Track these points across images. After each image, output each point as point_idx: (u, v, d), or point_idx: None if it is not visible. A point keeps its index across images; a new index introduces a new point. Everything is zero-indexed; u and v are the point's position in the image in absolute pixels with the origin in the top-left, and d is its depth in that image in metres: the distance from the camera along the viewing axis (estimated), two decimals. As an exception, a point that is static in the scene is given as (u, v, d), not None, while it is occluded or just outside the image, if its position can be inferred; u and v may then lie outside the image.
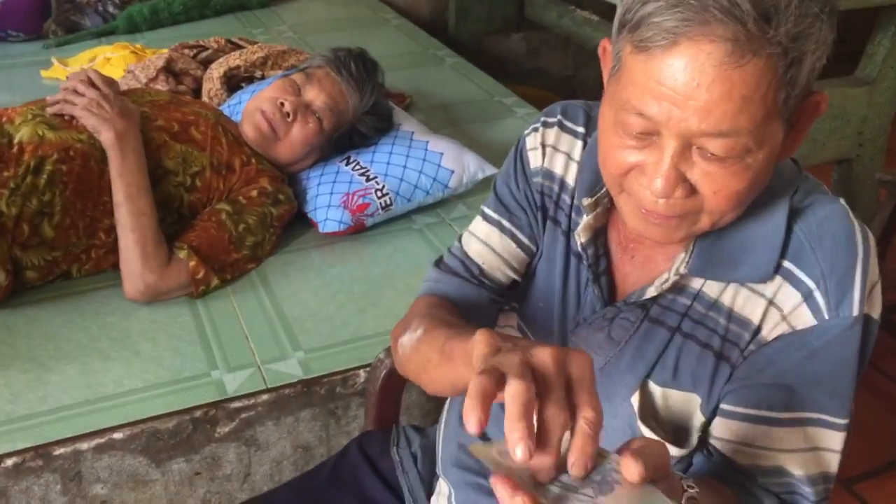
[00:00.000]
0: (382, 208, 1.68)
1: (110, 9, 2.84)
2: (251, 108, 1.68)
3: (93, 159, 1.50)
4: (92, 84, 1.54)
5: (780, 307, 0.79)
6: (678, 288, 0.83)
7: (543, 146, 0.94)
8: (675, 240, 0.79)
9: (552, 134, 0.94)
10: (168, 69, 2.09)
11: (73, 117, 1.53)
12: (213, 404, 1.29)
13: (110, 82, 1.58)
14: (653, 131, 0.72)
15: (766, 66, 0.66)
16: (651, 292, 0.83)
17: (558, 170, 0.93)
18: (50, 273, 1.51)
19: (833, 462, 0.79)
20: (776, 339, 0.79)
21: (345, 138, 1.74)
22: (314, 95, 1.68)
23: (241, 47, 2.25)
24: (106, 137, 1.48)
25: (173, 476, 1.30)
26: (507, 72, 3.32)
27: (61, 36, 2.74)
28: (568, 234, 0.92)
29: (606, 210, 0.88)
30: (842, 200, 0.82)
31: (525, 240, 0.96)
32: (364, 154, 1.76)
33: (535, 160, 0.94)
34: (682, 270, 0.81)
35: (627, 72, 0.72)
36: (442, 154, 1.76)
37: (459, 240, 1.01)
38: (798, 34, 0.66)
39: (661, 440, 0.83)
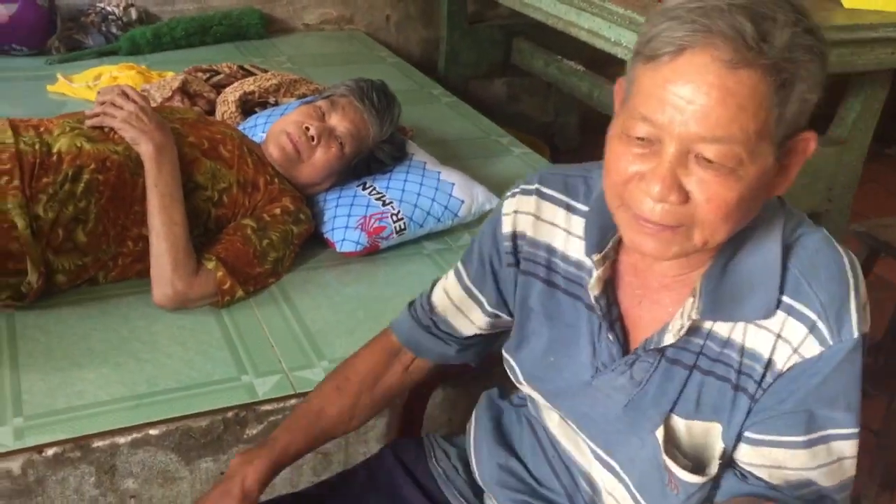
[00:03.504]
0: (397, 232, 1.77)
1: (113, 30, 2.90)
2: (276, 131, 1.76)
3: (127, 170, 1.57)
4: (128, 98, 1.61)
5: (788, 340, 0.85)
6: (691, 330, 0.89)
7: (517, 213, 1.02)
8: (668, 255, 0.84)
9: (531, 203, 1.02)
10: (183, 90, 2.16)
11: (109, 130, 1.59)
12: (244, 406, 1.35)
13: (144, 97, 1.65)
14: (655, 138, 0.79)
15: (761, 80, 0.75)
16: (668, 340, 0.89)
17: (542, 237, 1.01)
18: (78, 278, 1.56)
19: (852, 467, 0.88)
20: (790, 368, 0.85)
21: (363, 164, 1.83)
22: (338, 122, 1.77)
23: (252, 73, 2.34)
24: (145, 149, 1.54)
25: (200, 475, 1.35)
26: (490, 115, 3.45)
27: (64, 53, 2.79)
28: (568, 292, 1.00)
29: (613, 262, 0.95)
30: (825, 231, 0.90)
31: (477, 293, 1.10)
32: (380, 180, 1.85)
33: (507, 225, 1.03)
34: (693, 316, 0.87)
35: (637, 85, 0.80)
36: (454, 184, 1.86)
37: (432, 284, 1.18)
38: (790, 58, 0.76)
39: (686, 471, 0.90)
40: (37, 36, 2.76)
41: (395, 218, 1.77)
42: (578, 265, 0.97)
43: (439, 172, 1.88)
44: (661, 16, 0.79)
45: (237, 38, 3.11)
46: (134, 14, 2.97)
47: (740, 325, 0.87)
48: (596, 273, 0.93)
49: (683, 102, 0.76)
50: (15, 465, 1.21)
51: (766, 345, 0.86)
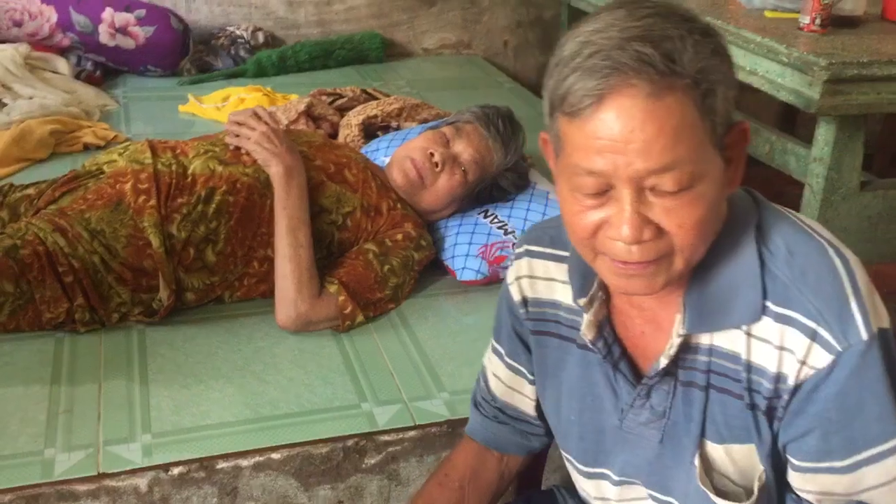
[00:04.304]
0: (518, 262, 1.73)
1: (242, 53, 2.99)
2: (401, 156, 1.76)
3: (256, 192, 1.59)
4: (260, 120, 1.64)
5: (793, 352, 0.81)
6: (692, 348, 0.86)
7: (518, 279, 1.01)
8: (658, 288, 0.82)
9: (524, 265, 1.00)
10: (308, 113, 2.20)
11: (240, 154, 1.62)
12: (363, 435, 1.33)
13: (275, 119, 1.68)
14: (606, 187, 0.78)
15: (685, 98, 0.74)
16: (663, 362, 0.87)
17: (544, 294, 0.99)
18: (206, 297, 1.59)
19: None
20: (806, 382, 0.81)
21: (485, 192, 1.81)
22: (462, 148, 1.75)
23: (374, 97, 2.36)
24: (275, 171, 1.56)
25: (318, 502, 1.34)
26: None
27: (194, 74, 2.90)
28: (578, 343, 0.97)
29: (603, 303, 0.92)
30: (801, 223, 0.86)
31: (518, 366, 1.06)
32: (502, 209, 1.82)
33: (515, 294, 1.01)
34: (681, 332, 0.85)
35: (569, 142, 0.78)
36: (577, 215, 1.81)
37: (483, 376, 1.12)
38: (702, 68, 0.75)
39: (722, 498, 0.87)
40: (170, 58, 2.88)
41: (516, 247, 1.74)
42: (580, 313, 0.94)
43: (563, 202, 1.84)
44: (564, 69, 0.77)
45: (358, 61, 3.17)
46: (261, 38, 3.06)
47: (742, 338, 0.84)
48: (586, 317, 0.91)
49: (622, 145, 0.75)
50: (142, 482, 1.23)
51: (771, 359, 0.83)
